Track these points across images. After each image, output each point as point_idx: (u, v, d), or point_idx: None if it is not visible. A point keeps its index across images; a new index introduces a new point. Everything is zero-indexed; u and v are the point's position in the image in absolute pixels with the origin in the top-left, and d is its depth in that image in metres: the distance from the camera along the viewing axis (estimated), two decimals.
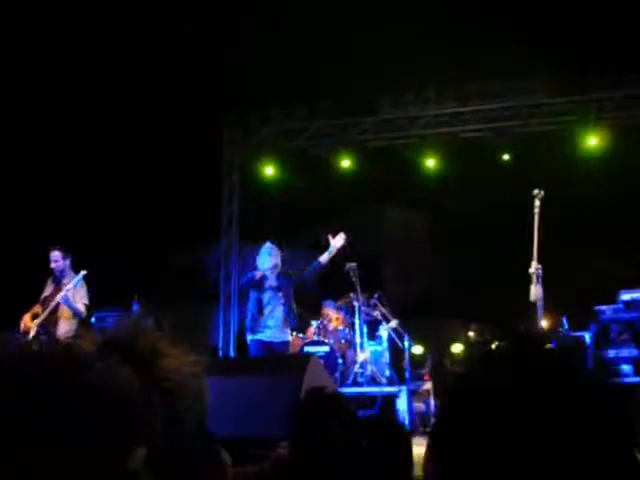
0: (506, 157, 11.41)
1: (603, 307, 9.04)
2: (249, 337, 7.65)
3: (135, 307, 8.68)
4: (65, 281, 7.25)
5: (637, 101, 10.97)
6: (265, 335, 7.54)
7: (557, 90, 11.06)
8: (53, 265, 7.33)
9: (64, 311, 7.14)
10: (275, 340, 7.60)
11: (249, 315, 7.61)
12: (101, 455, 0.96)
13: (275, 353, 7.37)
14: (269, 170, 12.23)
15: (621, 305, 8.99)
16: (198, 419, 1.25)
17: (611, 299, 9.10)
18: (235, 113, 11.62)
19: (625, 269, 10.15)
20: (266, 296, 7.57)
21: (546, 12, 9.08)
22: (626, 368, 8.70)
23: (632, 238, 10.54)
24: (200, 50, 9.77)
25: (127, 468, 0.98)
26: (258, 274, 7.55)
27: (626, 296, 8.96)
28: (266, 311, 7.53)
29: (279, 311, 7.61)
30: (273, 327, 7.57)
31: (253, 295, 7.62)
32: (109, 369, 1.04)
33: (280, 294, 7.64)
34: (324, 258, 7.73)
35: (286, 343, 7.82)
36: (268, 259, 7.64)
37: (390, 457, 2.96)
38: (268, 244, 7.84)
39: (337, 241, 7.72)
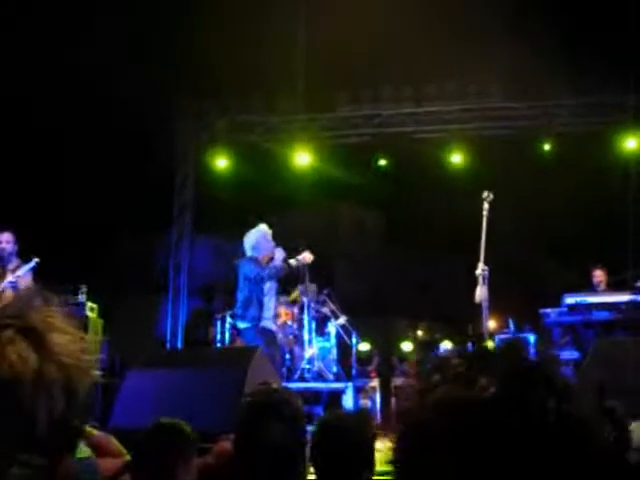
0: (459, 159, 11.55)
1: (548, 310, 9.21)
2: (248, 324, 7.46)
3: (81, 295, 8.56)
4: (11, 266, 7.11)
5: (591, 109, 11.20)
6: (267, 323, 7.52)
7: (514, 95, 11.23)
8: (3, 246, 7.15)
9: (8, 296, 7.01)
10: (273, 329, 7.69)
11: (255, 302, 7.40)
12: None
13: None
14: (223, 162, 12.16)
15: (565, 308, 9.17)
16: (88, 395, 1.25)
17: (556, 302, 9.27)
18: (191, 102, 11.54)
19: (570, 273, 10.35)
20: (266, 286, 7.49)
21: (507, 17, 9.17)
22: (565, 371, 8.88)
23: (577, 244, 10.75)
24: (155, 34, 9.63)
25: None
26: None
27: (570, 300, 9.13)
28: (266, 299, 7.44)
29: (272, 301, 7.67)
30: (270, 317, 7.62)
31: (262, 284, 7.46)
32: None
33: (274, 284, 7.59)
34: (292, 264, 7.67)
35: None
36: (270, 245, 7.54)
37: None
38: (265, 228, 7.74)
39: (306, 257, 7.76)
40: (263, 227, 7.66)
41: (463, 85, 11.24)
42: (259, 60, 9.99)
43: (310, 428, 2.62)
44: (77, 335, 1.27)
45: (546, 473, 0.91)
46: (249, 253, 7.51)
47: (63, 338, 1.22)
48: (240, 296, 7.39)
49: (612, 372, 4.95)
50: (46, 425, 1.11)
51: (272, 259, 7.49)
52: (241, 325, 7.51)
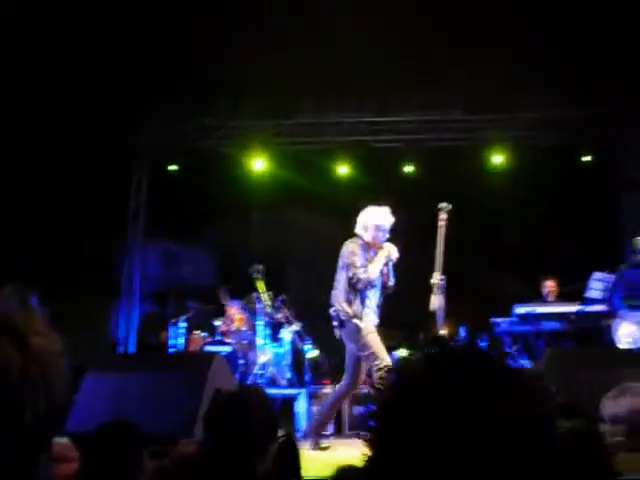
0: (414, 169, 11.71)
1: (498, 319, 9.37)
2: None
3: (34, 298, 8.44)
4: None
5: (545, 122, 11.44)
6: None
7: (471, 107, 11.42)
8: None
9: None
10: None
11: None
12: None
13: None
14: (179, 166, 12.11)
15: (515, 318, 9.34)
16: (66, 397, 1.27)
17: (507, 312, 9.44)
18: (148, 104, 11.46)
19: (520, 285, 10.52)
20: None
21: (468, 32, 9.32)
22: None
23: (528, 255, 10.93)
24: (112, 33, 9.55)
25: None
26: None
27: (520, 310, 9.31)
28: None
29: None
30: None
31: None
32: None
33: None
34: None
35: None
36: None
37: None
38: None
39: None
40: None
41: (424, 96, 11.40)
42: (221, 63, 9.96)
43: None
44: (55, 337, 1.28)
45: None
46: None
47: (43, 340, 1.24)
48: None
49: (562, 381, 5.06)
50: (31, 426, 1.12)
51: None
52: None
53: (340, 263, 6.60)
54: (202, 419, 2.72)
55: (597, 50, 9.54)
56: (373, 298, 6.58)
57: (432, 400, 1.03)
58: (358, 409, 9.05)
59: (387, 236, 6.60)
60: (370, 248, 6.60)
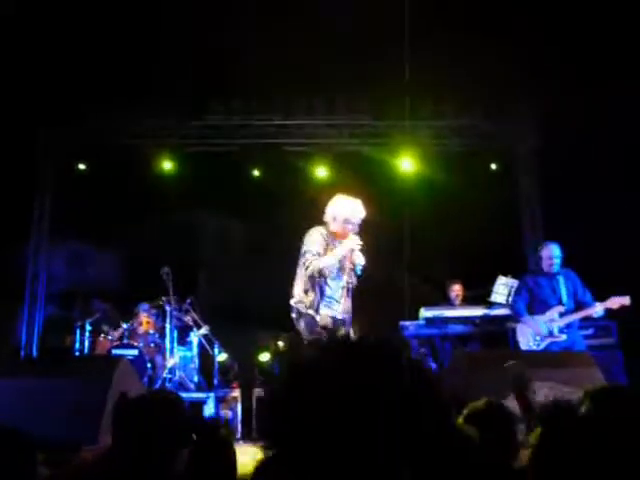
0: (323, 173, 11.78)
1: (407, 323, 9.52)
2: None
3: None
4: None
5: (451, 130, 11.71)
6: None
7: (379, 113, 11.56)
8: None
9: None
10: None
11: None
12: None
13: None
14: (86, 166, 11.83)
15: (422, 321, 9.50)
16: None
17: (415, 316, 9.59)
18: (56, 103, 11.14)
19: (427, 289, 10.70)
20: None
21: (376, 37, 9.41)
22: None
23: (435, 259, 11.12)
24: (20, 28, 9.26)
25: None
26: None
27: (427, 313, 9.49)
28: None
29: None
30: None
31: None
32: None
33: None
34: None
35: None
36: None
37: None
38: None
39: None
40: None
41: (331, 100, 11.48)
42: (123, 62, 9.78)
43: None
44: None
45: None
46: None
47: None
48: None
49: (467, 381, 5.16)
50: None
51: None
52: None
53: (301, 251, 6.35)
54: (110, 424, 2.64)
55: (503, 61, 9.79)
56: (337, 289, 6.32)
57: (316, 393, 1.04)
58: (226, 413, 9.05)
59: (356, 229, 6.40)
60: (336, 239, 6.39)
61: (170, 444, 2.53)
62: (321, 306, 6.20)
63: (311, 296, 6.23)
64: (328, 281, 6.24)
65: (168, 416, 2.53)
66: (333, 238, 6.39)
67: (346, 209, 6.41)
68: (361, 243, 6.27)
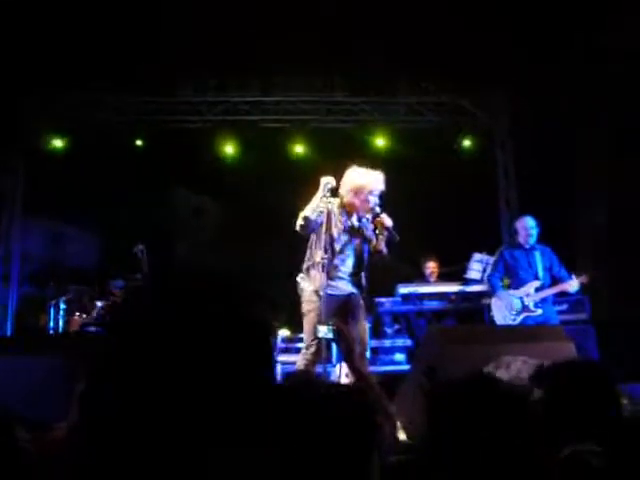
0: (301, 150, 11.74)
1: (382, 299, 9.54)
2: None
3: None
4: None
5: (428, 107, 11.71)
6: None
7: (355, 90, 11.54)
8: None
9: None
10: None
11: None
12: None
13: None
14: (58, 142, 11.67)
15: (399, 298, 9.53)
16: None
17: (391, 292, 9.61)
18: (22, 76, 10.94)
19: (403, 266, 10.72)
20: None
21: (353, 12, 9.35)
22: (400, 357, 9.26)
23: (410, 236, 11.13)
24: None
25: None
26: None
27: (403, 290, 9.52)
28: None
29: None
30: None
31: None
32: None
33: None
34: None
35: None
36: None
37: None
38: None
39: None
40: None
41: (308, 77, 11.44)
42: (101, 37, 9.65)
43: None
44: None
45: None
46: None
47: None
48: None
49: (441, 357, 5.19)
50: None
51: None
52: None
53: None
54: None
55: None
56: (343, 262, 6.01)
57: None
58: None
59: (378, 202, 5.97)
60: (351, 212, 6.03)
61: None
62: (312, 274, 5.94)
63: (307, 262, 6.04)
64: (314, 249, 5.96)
65: None
66: (345, 212, 6.03)
67: (369, 179, 6.01)
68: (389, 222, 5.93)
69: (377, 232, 5.96)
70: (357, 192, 5.97)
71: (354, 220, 6.09)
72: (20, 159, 11.54)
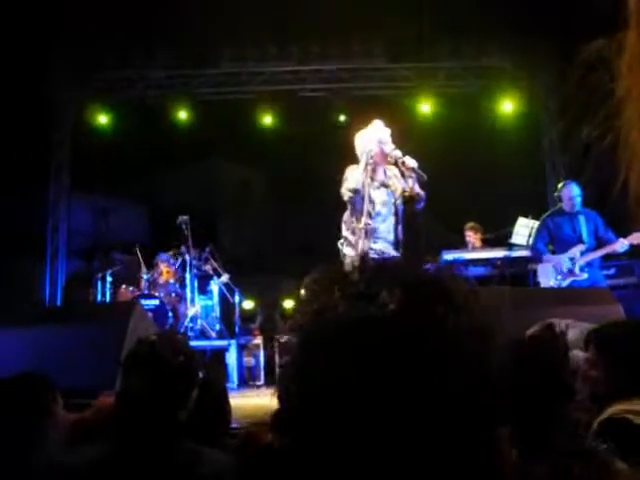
0: (342, 118, 11.63)
1: (427, 266, 9.46)
2: None
3: None
4: None
5: (470, 72, 11.51)
6: None
7: (395, 56, 11.37)
8: None
9: None
10: None
11: None
12: None
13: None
14: (103, 118, 11.74)
15: (443, 264, 9.44)
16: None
17: (436, 259, 9.53)
18: (67, 56, 11.03)
19: (450, 234, 10.64)
20: None
21: None
22: None
23: (456, 205, 11.04)
24: None
25: None
26: None
27: (448, 256, 9.43)
28: None
29: None
30: None
31: None
32: None
33: None
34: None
35: None
36: None
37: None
38: None
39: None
40: None
41: (347, 44, 11.30)
42: (136, 11, 9.64)
43: None
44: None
45: (445, 387, 0.89)
46: None
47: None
48: None
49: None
50: None
51: None
52: None
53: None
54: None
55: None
56: (381, 223, 6.02)
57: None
58: (248, 360, 9.14)
59: (392, 146, 5.99)
60: (379, 166, 6.05)
61: (179, 386, 2.51)
62: (352, 239, 5.95)
63: (347, 230, 6.04)
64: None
65: (176, 358, 2.51)
66: (373, 169, 6.03)
67: (371, 133, 6.10)
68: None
69: (405, 176, 5.97)
70: (369, 150, 5.99)
71: (381, 175, 6.11)
72: (67, 135, 11.66)
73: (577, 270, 7.55)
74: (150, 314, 7.21)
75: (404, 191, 6.00)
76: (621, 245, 7.51)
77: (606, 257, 7.84)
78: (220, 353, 9.03)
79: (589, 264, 7.56)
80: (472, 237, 9.99)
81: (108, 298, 9.80)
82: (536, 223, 8.85)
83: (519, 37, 10.58)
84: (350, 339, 0.90)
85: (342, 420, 0.88)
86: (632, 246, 7.60)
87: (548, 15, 9.52)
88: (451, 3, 9.64)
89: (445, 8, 9.77)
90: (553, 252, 7.85)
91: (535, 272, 8.17)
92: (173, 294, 9.61)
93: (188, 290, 9.55)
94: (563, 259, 7.62)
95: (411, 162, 5.89)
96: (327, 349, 0.91)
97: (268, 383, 8.78)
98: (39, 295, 11.51)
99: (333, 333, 0.93)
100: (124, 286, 9.70)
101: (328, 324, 0.94)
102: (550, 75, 11.32)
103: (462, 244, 10.08)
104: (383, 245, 6.02)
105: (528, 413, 0.88)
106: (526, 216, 9.41)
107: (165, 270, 9.65)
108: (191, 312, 9.39)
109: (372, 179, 6.01)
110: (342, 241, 6.05)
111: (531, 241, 8.50)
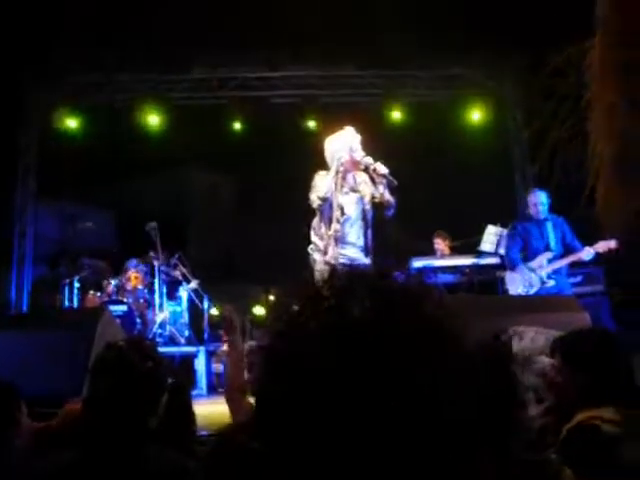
0: (312, 125, 11.63)
1: (396, 273, 9.50)
2: None
3: None
4: None
5: (440, 80, 11.60)
6: None
7: (365, 64, 11.42)
8: None
9: None
10: None
11: None
12: None
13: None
14: (72, 123, 11.61)
15: (412, 272, 9.48)
16: None
17: (404, 267, 9.57)
18: (36, 57, 10.90)
19: (418, 242, 10.68)
20: None
21: None
22: None
23: (425, 213, 11.09)
24: None
25: None
26: None
27: (417, 263, 9.47)
28: None
29: None
30: None
31: None
32: None
33: None
34: None
35: None
36: None
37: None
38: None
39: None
40: None
41: (318, 51, 11.32)
42: (107, 15, 9.59)
43: None
44: None
45: (413, 397, 0.88)
46: None
47: None
48: None
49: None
50: None
51: None
52: None
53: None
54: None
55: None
56: (350, 228, 6.01)
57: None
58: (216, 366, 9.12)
59: (362, 153, 5.97)
60: (348, 173, 6.03)
61: (149, 391, 2.49)
62: (326, 245, 5.92)
63: (317, 235, 6.02)
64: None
65: (145, 363, 2.48)
66: (343, 177, 6.00)
67: (342, 139, 6.05)
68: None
69: (376, 182, 5.97)
70: (340, 157, 5.97)
71: (351, 181, 6.09)
72: (35, 138, 11.52)
73: (544, 278, 7.63)
74: (118, 320, 7.15)
75: (374, 197, 6.00)
76: (587, 253, 7.60)
77: (573, 264, 7.93)
78: (189, 359, 9.00)
79: (556, 272, 7.64)
80: (441, 244, 10.05)
81: (75, 304, 9.71)
82: (504, 231, 8.93)
83: (488, 48, 10.69)
84: (319, 354, 0.90)
85: (311, 431, 0.87)
86: (598, 254, 7.69)
87: (516, 28, 9.64)
88: (421, 14, 9.70)
89: (416, 19, 9.83)
90: (524, 259, 7.92)
91: (503, 280, 8.23)
92: (141, 300, 9.55)
93: (157, 296, 9.50)
94: (530, 271, 7.70)
95: (382, 169, 5.90)
96: (292, 368, 0.91)
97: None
98: (4, 300, 11.36)
99: (301, 350, 0.92)
100: (92, 292, 9.63)
101: (296, 340, 0.94)
102: (517, 86, 11.46)
103: (431, 251, 10.13)
104: (352, 251, 6.01)
105: (482, 422, 0.87)
106: (495, 224, 9.50)
107: (133, 276, 9.59)
108: (160, 318, 9.34)
109: (341, 186, 6.00)
110: (312, 246, 6.05)
111: (503, 249, 8.56)
